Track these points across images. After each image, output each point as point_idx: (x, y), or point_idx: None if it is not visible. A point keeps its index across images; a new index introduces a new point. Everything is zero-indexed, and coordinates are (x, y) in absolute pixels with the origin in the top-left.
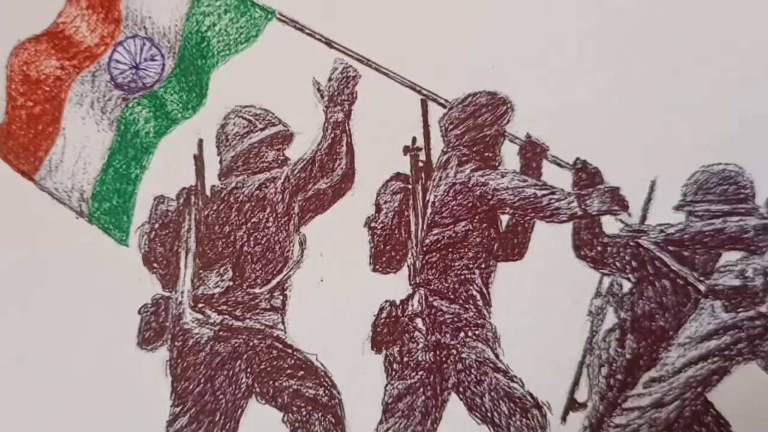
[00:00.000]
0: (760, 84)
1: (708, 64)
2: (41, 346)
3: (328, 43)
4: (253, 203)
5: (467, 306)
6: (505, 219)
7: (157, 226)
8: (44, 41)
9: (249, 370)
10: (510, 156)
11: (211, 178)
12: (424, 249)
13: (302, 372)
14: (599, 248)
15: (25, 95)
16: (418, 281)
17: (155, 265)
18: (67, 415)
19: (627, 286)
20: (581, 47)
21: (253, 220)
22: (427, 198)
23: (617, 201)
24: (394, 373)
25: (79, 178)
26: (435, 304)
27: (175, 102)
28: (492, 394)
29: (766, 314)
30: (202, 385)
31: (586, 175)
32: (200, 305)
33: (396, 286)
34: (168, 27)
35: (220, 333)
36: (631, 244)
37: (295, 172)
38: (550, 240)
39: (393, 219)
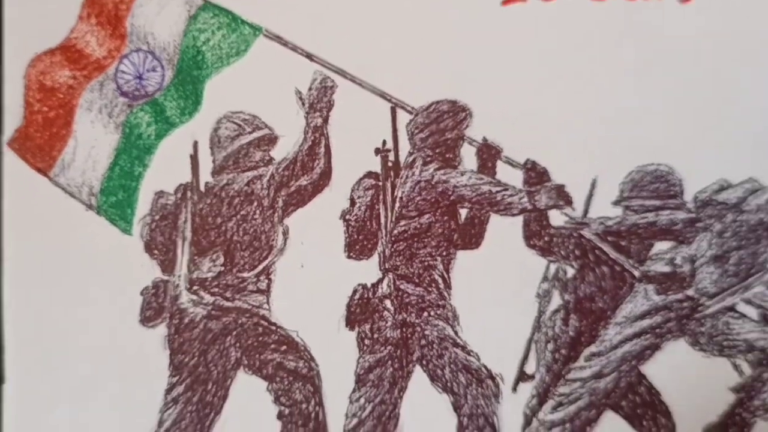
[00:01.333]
0: (688, 94)
1: (642, 78)
2: (58, 322)
3: (309, 57)
4: (242, 198)
5: (430, 289)
6: (463, 212)
7: (157, 217)
8: (58, 54)
9: (238, 344)
10: (468, 157)
11: (205, 176)
12: (393, 239)
13: (285, 347)
14: (546, 238)
15: (41, 102)
16: (387, 267)
17: (155, 252)
18: (81, 381)
19: (571, 271)
20: (532, 62)
21: (242, 213)
22: (396, 194)
23: (562, 197)
24: (365, 347)
25: (89, 175)
26: (402, 287)
27: (174, 108)
28: (452, 366)
29: (692, 297)
30: (196, 358)
31: (535, 174)
32: (195, 288)
33: (368, 271)
34: (167, 42)
35: (213, 312)
36: (575, 234)
37: (280, 170)
38: (504, 231)
39: (365, 212)
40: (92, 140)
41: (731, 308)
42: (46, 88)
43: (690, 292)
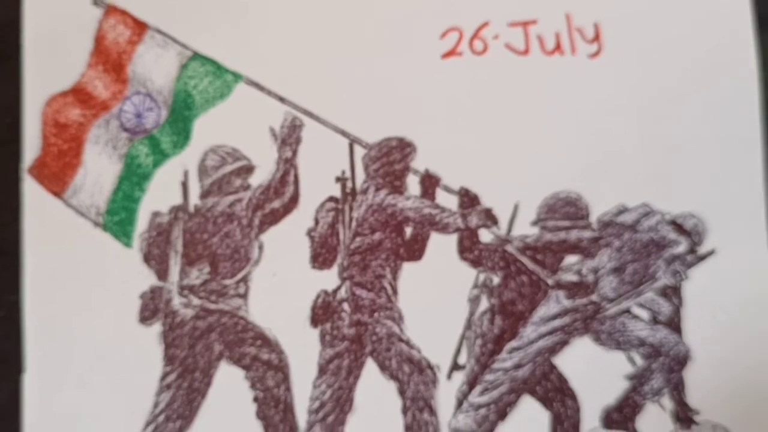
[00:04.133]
0: (593, 134)
1: (556, 120)
2: (70, 321)
3: (281, 100)
4: (224, 217)
5: (380, 294)
6: (408, 230)
7: (153, 234)
8: (70, 96)
9: (221, 340)
10: (413, 185)
11: (194, 199)
12: (350, 252)
13: (260, 342)
14: (476, 252)
15: (56, 136)
16: (345, 276)
17: (152, 262)
18: (90, 370)
19: (496, 280)
20: (466, 106)
21: (224, 230)
22: (352, 215)
23: (490, 218)
24: (326, 342)
25: (96, 197)
26: (357, 292)
27: (168, 142)
28: (397, 358)
29: (595, 301)
30: (186, 351)
31: (468, 200)
32: (185, 292)
33: (329, 279)
34: (163, 86)
35: (200, 313)
36: (500, 249)
37: (256, 194)
38: (441, 246)
39: (327, 230)
40: (99, 169)
41: (627, 311)
42: (60, 124)
43: (593, 297)
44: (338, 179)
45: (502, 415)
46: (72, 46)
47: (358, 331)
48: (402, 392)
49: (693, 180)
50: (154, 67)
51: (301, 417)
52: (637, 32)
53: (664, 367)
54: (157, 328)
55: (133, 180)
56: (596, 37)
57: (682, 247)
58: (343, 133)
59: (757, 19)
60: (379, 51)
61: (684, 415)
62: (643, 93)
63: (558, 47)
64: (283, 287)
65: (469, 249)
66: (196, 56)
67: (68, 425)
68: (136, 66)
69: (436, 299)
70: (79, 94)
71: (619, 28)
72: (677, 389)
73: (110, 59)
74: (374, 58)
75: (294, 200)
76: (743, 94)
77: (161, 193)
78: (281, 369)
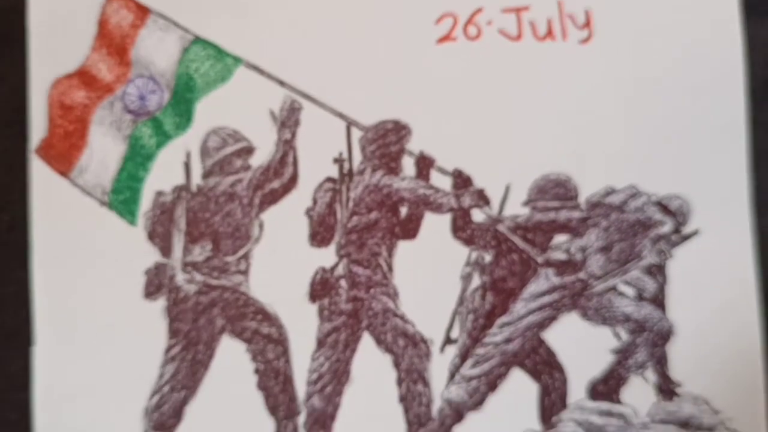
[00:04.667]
0: (583, 118)
1: (548, 105)
2: (78, 296)
3: (280, 83)
4: (226, 197)
5: (376, 271)
6: (404, 210)
7: (157, 212)
8: (75, 78)
9: (223, 314)
10: (408, 166)
11: (196, 179)
12: (347, 231)
13: (260, 316)
14: (469, 232)
15: (62, 117)
16: (342, 253)
17: (156, 240)
18: (97, 343)
19: (488, 258)
20: (461, 90)
21: (226, 209)
22: (349, 195)
23: (482, 199)
24: (324, 317)
25: (102, 177)
26: (353, 269)
27: (171, 124)
28: (393, 332)
29: (583, 279)
30: (189, 325)
31: (461, 181)
32: (188, 269)
33: (327, 256)
34: (165, 70)
35: (203, 288)
36: (491, 229)
37: (257, 175)
38: (435, 225)
39: (325, 209)
40: (104, 149)
41: (613, 288)
42: (66, 106)
43: (581, 275)
44: (336, 160)
45: (492, 386)
46: (76, 29)
47: (354, 306)
48: (397, 365)
49: (679, 163)
50: (157, 51)
51: (300, 388)
52: (626, 19)
53: (648, 341)
54: (161, 302)
55: (137, 160)
56: (587, 24)
57: (667, 228)
58: (341, 116)
59: (745, 7)
60: (375, 36)
61: (666, 387)
62: (632, 78)
63: (550, 33)
64: (282, 264)
65: (462, 228)
66: (198, 40)
67: (77, 395)
68: (139, 50)
69: (429, 276)
70: (83, 76)
71: (610, 15)
72: (660, 363)
73: (114, 43)
74: (371, 42)
75: (293, 180)
76: (729, 80)
77: (165, 173)
78: (281, 342)
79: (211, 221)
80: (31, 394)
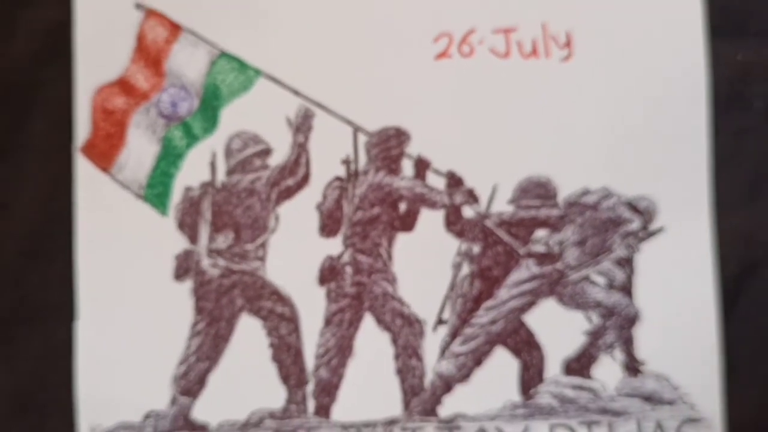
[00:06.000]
0: (563, 128)
1: (533, 115)
2: (116, 277)
3: (295, 93)
4: (246, 192)
5: (377, 259)
6: (402, 206)
7: (186, 205)
8: (116, 86)
9: (242, 295)
10: (407, 167)
11: (221, 176)
12: (352, 224)
13: (275, 297)
14: (460, 226)
15: (104, 121)
16: (347, 243)
17: (185, 229)
18: (132, 319)
19: (476, 249)
20: (455, 100)
21: (246, 203)
22: (355, 192)
23: (472, 197)
24: (331, 298)
25: (138, 173)
26: (357, 258)
27: (199, 128)
28: (391, 313)
29: (559, 269)
30: (213, 304)
31: (454, 181)
32: (212, 255)
33: (334, 246)
34: (195, 80)
35: (225, 272)
36: (479, 224)
37: (274, 174)
38: (430, 220)
39: (333, 204)
40: (140, 149)
41: (586, 277)
42: (107, 111)
43: (558, 265)
44: (343, 162)
45: (478, 362)
46: (117, 44)
47: (358, 290)
48: (394, 341)
49: (646, 167)
50: (187, 64)
51: (309, 360)
52: (603, 40)
53: (617, 325)
54: (188, 284)
55: (169, 159)
56: (568, 44)
57: (635, 225)
58: (348, 123)
59: (708, 30)
60: (381, 52)
61: (632, 365)
62: (606, 92)
63: (534, 52)
64: (295, 252)
65: (454, 223)
66: (223, 54)
67: (114, 363)
68: (172, 62)
69: (424, 264)
70: (123, 85)
71: (588, 37)
72: (627, 344)
73: (150, 56)
74: (376, 58)
75: (306, 179)
76: (692, 94)
77: (193, 171)
78: (293, 320)
79: (233, 213)
80: (74, 362)
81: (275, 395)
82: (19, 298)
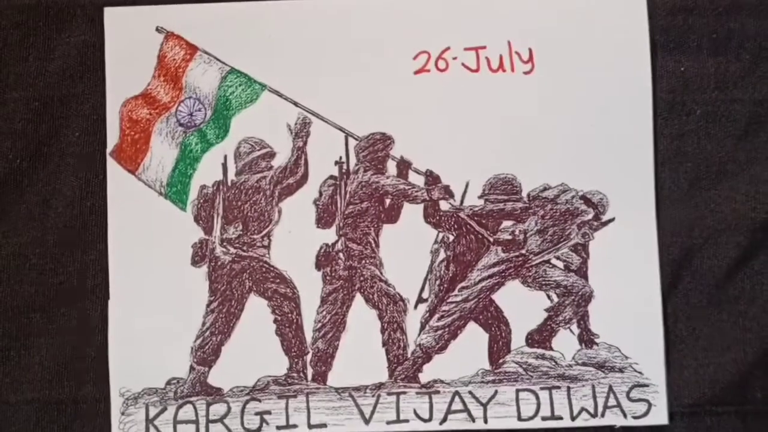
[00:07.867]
0: (527, 133)
1: (501, 122)
2: (142, 263)
3: (295, 104)
4: (253, 190)
5: (366, 247)
6: (387, 201)
7: (201, 201)
8: (140, 99)
9: (250, 278)
10: (392, 167)
11: (231, 176)
12: (344, 216)
13: (279, 279)
14: (437, 218)
15: (130, 129)
16: (341, 233)
17: (201, 222)
18: (155, 299)
19: (451, 238)
20: (432, 110)
21: (253, 199)
22: (347, 189)
23: (448, 192)
24: (326, 281)
25: (160, 174)
26: (349, 245)
27: (212, 134)
28: (378, 293)
29: (524, 254)
30: (225, 285)
31: (432, 179)
32: (224, 243)
33: (329, 235)
34: (208, 92)
35: (235, 258)
36: (454, 216)
37: (277, 173)
38: (412, 213)
39: (328, 200)
40: (162, 153)
41: (547, 262)
42: (133, 120)
43: (523, 251)
44: (336, 163)
45: (453, 335)
46: (141, 62)
47: (350, 273)
48: (381, 318)
49: (599, 166)
50: (202, 79)
51: (308, 334)
52: (560, 55)
53: (574, 303)
54: (204, 269)
55: (186, 162)
56: (530, 59)
57: (589, 216)
58: (341, 129)
59: (652, 45)
60: (368, 68)
61: (587, 338)
62: (564, 101)
63: (501, 66)
64: (295, 241)
65: (432, 215)
66: (233, 70)
67: (140, 337)
68: (189, 78)
69: (407, 251)
70: (147, 98)
71: (548, 53)
72: (583, 319)
73: (169, 72)
74: (365, 73)
75: (304, 178)
76: (639, 101)
77: (207, 172)
78: (294, 300)
79: (242, 208)
80: (107, 336)
81: (279, 364)
82: (59, 282)
